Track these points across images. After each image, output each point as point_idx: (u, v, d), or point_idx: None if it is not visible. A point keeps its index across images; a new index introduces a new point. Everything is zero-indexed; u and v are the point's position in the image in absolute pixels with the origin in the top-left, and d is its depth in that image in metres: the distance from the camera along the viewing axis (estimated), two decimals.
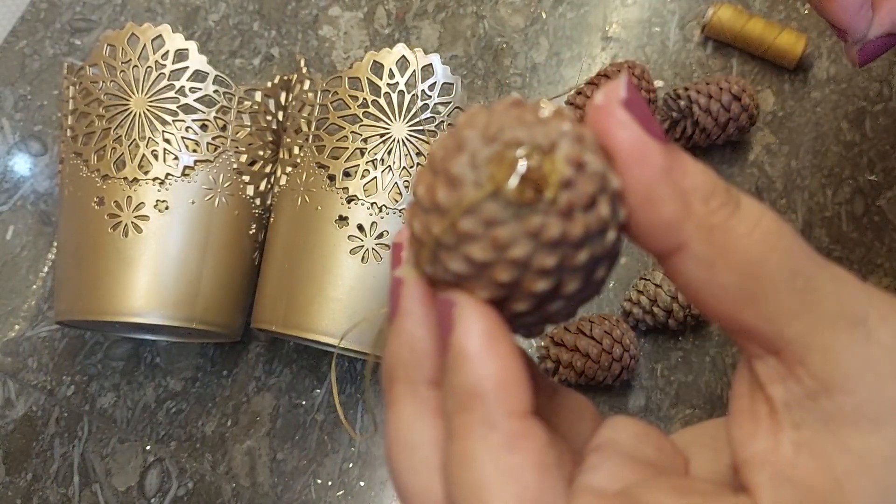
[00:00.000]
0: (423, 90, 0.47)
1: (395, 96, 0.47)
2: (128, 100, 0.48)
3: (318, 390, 0.55)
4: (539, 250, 0.16)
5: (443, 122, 0.47)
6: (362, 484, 0.53)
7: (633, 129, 0.17)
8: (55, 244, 0.59)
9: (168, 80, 0.48)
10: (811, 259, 0.17)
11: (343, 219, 0.47)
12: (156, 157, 0.48)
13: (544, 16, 0.65)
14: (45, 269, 0.58)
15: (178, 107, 0.48)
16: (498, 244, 0.16)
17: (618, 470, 0.19)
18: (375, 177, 0.46)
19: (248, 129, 0.50)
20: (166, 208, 0.48)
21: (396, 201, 0.47)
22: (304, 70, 0.51)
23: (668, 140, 0.17)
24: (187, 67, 0.48)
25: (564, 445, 0.20)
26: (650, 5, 0.65)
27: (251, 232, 0.52)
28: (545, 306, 0.17)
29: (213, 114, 0.49)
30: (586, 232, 0.16)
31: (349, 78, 0.47)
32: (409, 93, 0.47)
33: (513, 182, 0.16)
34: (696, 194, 0.17)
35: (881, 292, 0.18)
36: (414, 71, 0.47)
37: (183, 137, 0.48)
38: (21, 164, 0.61)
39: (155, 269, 0.48)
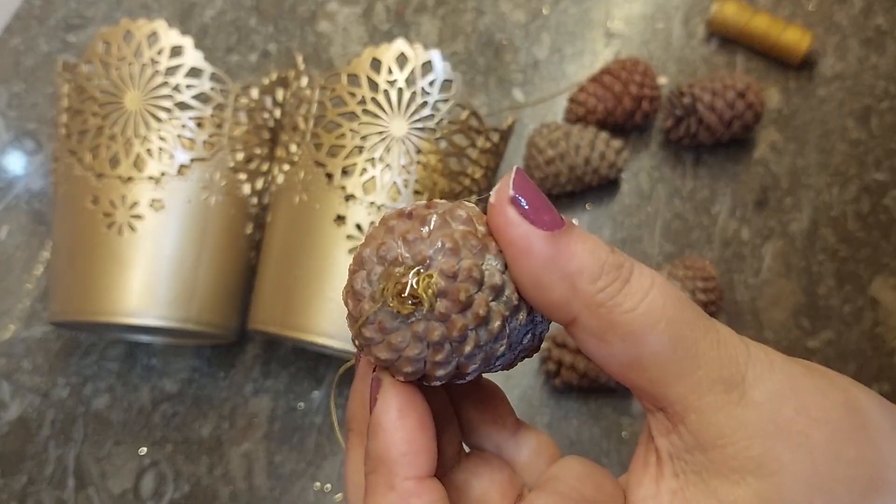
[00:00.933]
0: (422, 87, 0.46)
1: (393, 93, 0.46)
2: (123, 97, 0.47)
3: (316, 392, 0.54)
4: (430, 348, 0.20)
5: (442, 119, 0.46)
6: None
7: (517, 226, 0.19)
8: (49, 243, 0.58)
9: (163, 77, 0.47)
10: (692, 327, 0.19)
11: (341, 218, 0.46)
12: (151, 155, 0.47)
13: (546, 11, 0.64)
14: (40, 270, 0.57)
15: (173, 104, 0.47)
16: (393, 347, 0.20)
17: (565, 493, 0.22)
18: (374, 175, 0.45)
19: (245, 126, 0.49)
20: (161, 207, 0.47)
21: (395, 200, 0.46)
22: (302, 67, 0.50)
23: (560, 223, 0.19)
24: (183, 64, 0.47)
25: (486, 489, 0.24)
26: (654, 0, 0.64)
27: (248, 231, 0.51)
28: (467, 373, 0.21)
29: (210, 111, 0.48)
30: (465, 329, 0.20)
31: (347, 75, 0.46)
32: (408, 90, 0.46)
33: (395, 298, 0.20)
34: (582, 276, 0.19)
35: (762, 351, 0.20)
36: (413, 67, 0.46)
37: (178, 135, 0.47)
38: (15, 163, 0.60)
39: (150, 269, 0.47)
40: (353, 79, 0.46)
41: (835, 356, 0.54)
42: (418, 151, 0.46)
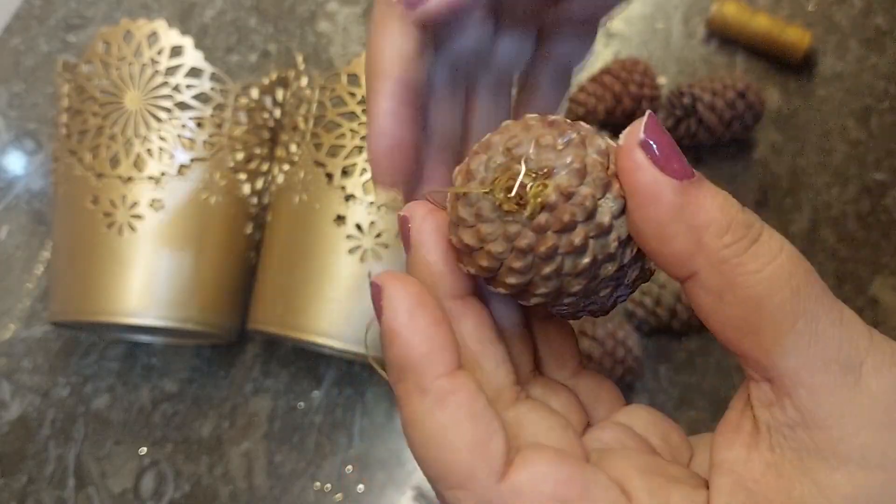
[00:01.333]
0: None
1: None
2: (123, 97, 0.47)
3: (317, 392, 0.54)
4: (512, 252, 0.19)
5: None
6: (361, 487, 0.52)
7: (646, 171, 0.18)
8: (50, 243, 0.58)
9: (163, 77, 0.47)
10: (818, 301, 0.18)
11: (341, 218, 0.46)
12: (151, 154, 0.47)
13: None
14: (40, 269, 0.57)
15: (173, 104, 0.47)
16: (480, 236, 0.20)
17: (619, 436, 0.22)
18: None
19: (245, 126, 0.49)
20: (161, 207, 0.47)
21: (395, 199, 0.46)
22: (302, 67, 0.50)
23: (690, 174, 0.19)
24: (183, 64, 0.47)
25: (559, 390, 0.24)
26: (653, 0, 0.64)
27: (247, 231, 0.51)
28: (534, 294, 0.21)
29: (209, 111, 0.48)
30: (553, 249, 0.19)
31: (347, 74, 0.46)
32: None
33: (504, 191, 0.19)
34: (709, 229, 0.18)
35: (886, 342, 0.19)
36: None
37: (178, 135, 0.47)
38: (15, 163, 0.60)
39: (150, 268, 0.47)
40: (353, 78, 0.46)
41: None
42: None
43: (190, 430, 0.53)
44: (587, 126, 0.20)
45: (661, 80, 0.62)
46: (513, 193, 0.19)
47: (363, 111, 0.46)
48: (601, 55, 0.63)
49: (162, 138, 0.47)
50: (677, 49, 0.63)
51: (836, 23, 0.63)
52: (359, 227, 0.45)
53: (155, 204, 0.47)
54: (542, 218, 0.19)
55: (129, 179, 0.47)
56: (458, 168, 0.21)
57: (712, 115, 0.56)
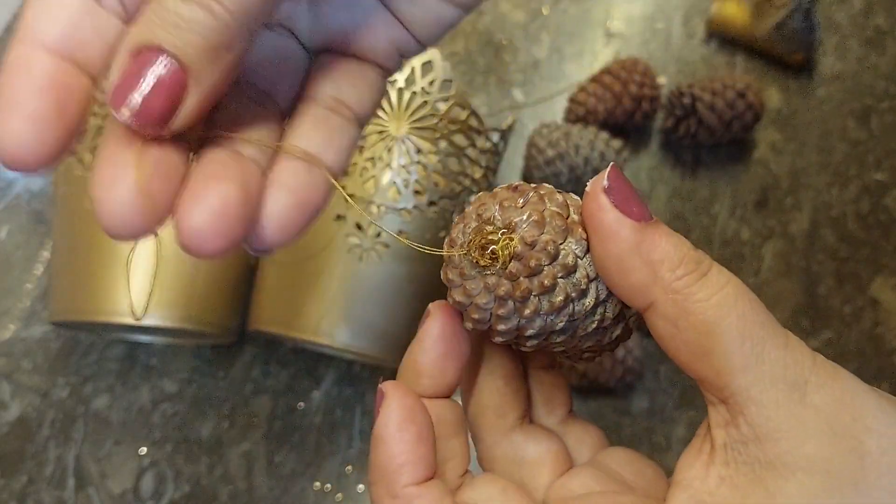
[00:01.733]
0: (422, 87, 0.46)
1: (393, 93, 0.46)
2: None
3: (316, 392, 0.54)
4: (496, 301, 0.22)
5: (442, 119, 0.46)
6: (361, 487, 0.52)
7: (608, 212, 0.21)
8: (49, 244, 0.58)
9: None
10: (763, 327, 0.21)
11: (341, 217, 0.46)
12: None
13: (546, 11, 0.64)
14: (40, 270, 0.57)
15: None
16: (467, 292, 0.23)
17: (587, 481, 0.25)
18: (374, 175, 0.45)
19: None
20: None
21: (395, 200, 0.46)
22: None
23: (648, 217, 0.21)
24: None
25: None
26: (653, 0, 0.64)
27: None
28: (527, 337, 0.23)
29: None
30: (528, 292, 0.22)
31: None
32: (408, 90, 0.46)
33: (478, 250, 0.22)
34: (664, 263, 0.21)
35: (828, 363, 0.21)
36: (413, 67, 0.46)
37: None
38: None
39: (150, 269, 0.47)
40: None
41: (835, 356, 0.54)
42: (418, 151, 0.46)
43: (190, 431, 0.53)
44: (548, 186, 0.24)
45: (661, 80, 0.62)
46: (488, 250, 0.22)
47: None
48: (601, 55, 0.63)
49: None
50: (677, 49, 0.63)
51: (837, 22, 0.63)
52: (358, 226, 0.45)
53: None
54: (514, 266, 0.22)
55: None
56: (445, 240, 0.24)
57: (712, 115, 0.56)
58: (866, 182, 0.59)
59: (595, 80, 0.58)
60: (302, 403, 0.54)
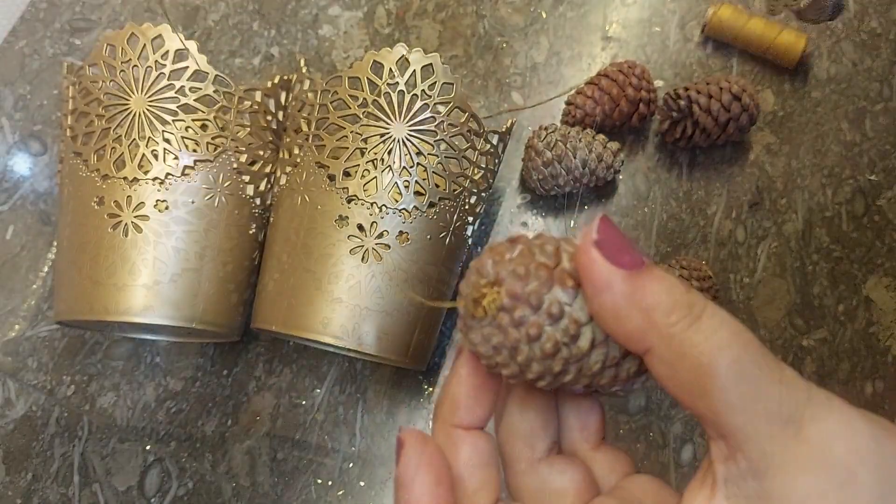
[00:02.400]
0: (423, 90, 0.47)
1: (395, 96, 0.46)
2: (127, 99, 0.48)
3: (319, 390, 0.55)
4: (493, 349, 0.24)
5: (442, 121, 0.47)
6: (362, 483, 0.53)
7: (599, 265, 0.22)
8: (55, 243, 0.58)
9: (168, 79, 0.48)
10: (758, 365, 0.21)
11: (343, 218, 0.46)
12: (156, 156, 0.48)
13: (544, 15, 0.65)
14: (45, 269, 0.58)
15: (177, 106, 0.48)
16: (470, 340, 0.25)
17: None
18: (375, 177, 0.46)
19: (248, 128, 0.50)
20: (166, 208, 0.48)
21: (396, 201, 0.47)
22: (304, 70, 0.51)
23: (639, 265, 0.22)
24: (187, 67, 0.48)
25: None
26: (650, 5, 0.65)
27: (251, 231, 0.52)
28: (534, 380, 0.25)
29: (213, 113, 0.49)
30: (517, 341, 0.23)
31: (349, 77, 0.47)
32: (408, 93, 0.46)
33: (472, 303, 0.24)
34: (657, 310, 0.22)
35: (823, 395, 0.21)
36: (414, 71, 0.47)
37: (183, 137, 0.48)
38: (21, 164, 0.61)
39: (155, 268, 0.48)
40: (355, 82, 0.47)
41: (829, 355, 0.55)
42: (419, 153, 0.47)
43: (194, 428, 0.54)
44: (546, 236, 0.25)
45: (658, 82, 0.63)
46: (480, 304, 0.24)
47: (364, 114, 0.46)
48: (599, 58, 0.64)
49: (166, 140, 0.48)
50: (674, 52, 0.64)
51: (831, 26, 0.64)
52: (360, 227, 0.46)
53: (159, 205, 0.48)
54: (501, 318, 0.23)
55: (135, 181, 0.47)
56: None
57: (708, 117, 0.57)
58: (860, 183, 0.59)
59: (592, 83, 0.59)
60: (304, 401, 0.55)
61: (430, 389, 0.55)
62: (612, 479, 0.28)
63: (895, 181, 0.59)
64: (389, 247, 0.46)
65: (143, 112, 0.48)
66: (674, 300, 0.22)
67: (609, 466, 0.28)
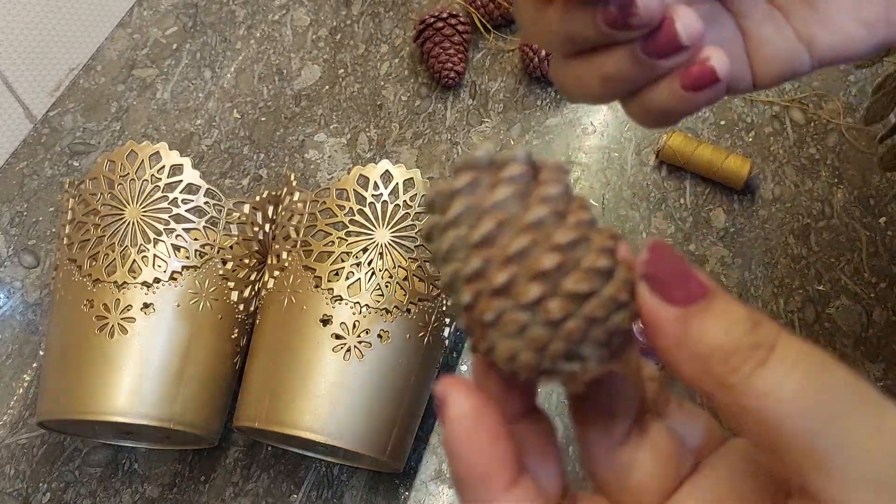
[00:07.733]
0: (404, 200, 0.51)
1: (379, 206, 0.50)
2: (123, 210, 0.51)
3: (295, 495, 0.55)
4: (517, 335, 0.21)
5: (420, 229, 0.50)
6: None
7: (648, 301, 0.19)
8: (41, 352, 0.60)
9: (162, 192, 0.51)
10: (847, 415, 0.17)
11: (327, 318, 0.49)
12: (145, 262, 0.50)
13: (513, 143, 0.71)
14: (28, 377, 0.59)
15: (170, 216, 0.51)
16: (489, 341, 0.21)
17: (705, 494, 0.21)
18: (359, 278, 0.49)
19: (235, 238, 0.53)
20: (152, 311, 0.50)
21: (378, 301, 0.49)
22: (295, 184, 0.55)
23: (698, 298, 0.19)
24: (181, 181, 0.52)
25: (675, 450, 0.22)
26: (609, 133, 0.71)
27: (233, 336, 0.54)
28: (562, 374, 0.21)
29: (203, 223, 0.52)
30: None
31: (336, 189, 0.51)
32: (391, 203, 0.50)
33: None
34: (713, 357, 0.18)
35: None
36: (397, 183, 0.51)
37: (172, 244, 0.51)
38: (13, 275, 0.63)
39: (137, 370, 0.49)
40: (342, 192, 0.51)
41: None
42: (400, 257, 0.50)
43: None
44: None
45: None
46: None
47: (350, 221, 0.50)
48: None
49: (157, 247, 0.51)
50: (631, 175, 0.69)
51: (773, 152, 0.71)
52: (343, 326, 0.49)
53: (146, 308, 0.50)
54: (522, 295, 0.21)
55: (123, 285, 0.50)
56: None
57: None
58: (809, 293, 0.64)
59: None
60: None
61: (407, 494, 0.55)
62: (698, 441, 0.23)
63: (841, 291, 0.64)
64: (371, 345, 0.49)
65: (137, 221, 0.51)
66: (734, 342, 0.18)
67: (693, 427, 0.23)
